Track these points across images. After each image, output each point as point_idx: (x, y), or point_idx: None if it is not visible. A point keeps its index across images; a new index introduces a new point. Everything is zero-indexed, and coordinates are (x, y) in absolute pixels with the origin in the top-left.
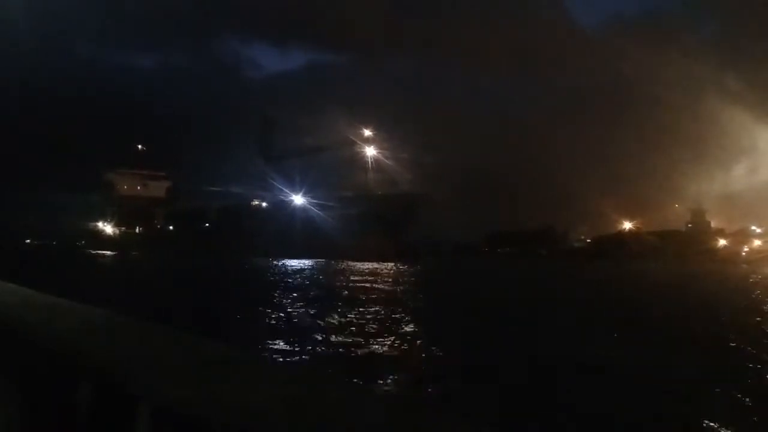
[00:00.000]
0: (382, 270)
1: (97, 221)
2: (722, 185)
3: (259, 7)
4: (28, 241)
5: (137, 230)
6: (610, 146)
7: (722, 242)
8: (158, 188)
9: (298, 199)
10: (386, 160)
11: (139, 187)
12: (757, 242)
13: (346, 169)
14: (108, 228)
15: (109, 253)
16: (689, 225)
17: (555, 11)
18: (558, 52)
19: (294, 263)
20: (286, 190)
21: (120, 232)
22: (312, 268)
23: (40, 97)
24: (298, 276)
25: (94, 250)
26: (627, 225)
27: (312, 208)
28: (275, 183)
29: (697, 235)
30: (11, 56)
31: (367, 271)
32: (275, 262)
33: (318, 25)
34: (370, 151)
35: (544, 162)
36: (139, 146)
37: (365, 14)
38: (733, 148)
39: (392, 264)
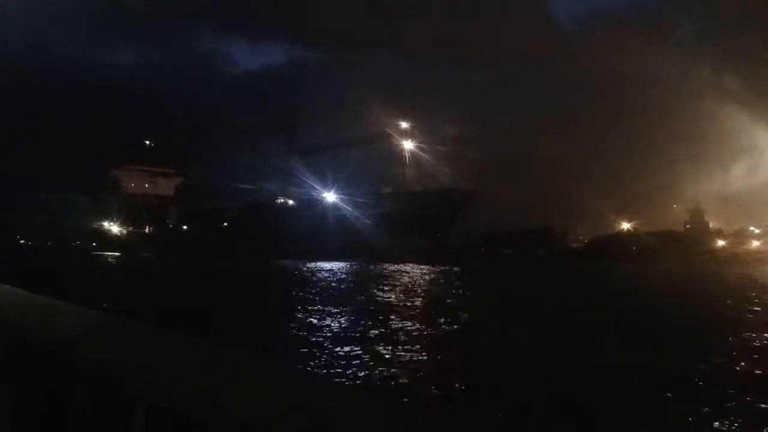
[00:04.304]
0: (423, 273)
1: (102, 221)
2: (721, 186)
3: (262, 7)
4: (23, 241)
5: (147, 230)
6: (609, 146)
7: (721, 243)
8: (168, 185)
9: (329, 197)
10: (424, 155)
11: (147, 185)
12: (755, 243)
13: (375, 163)
14: (114, 228)
15: (113, 254)
16: (687, 225)
17: (540, 8)
18: (550, 49)
19: (325, 266)
20: (317, 187)
21: (127, 231)
22: (343, 271)
23: (27, 96)
24: (324, 279)
25: (98, 250)
26: (625, 225)
27: (344, 206)
28: (304, 179)
29: (696, 235)
30: (7, 55)
31: (405, 274)
32: (304, 265)
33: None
34: (408, 145)
35: (543, 162)
36: (147, 142)
37: (355, 12)
38: (731, 148)
39: (436, 267)
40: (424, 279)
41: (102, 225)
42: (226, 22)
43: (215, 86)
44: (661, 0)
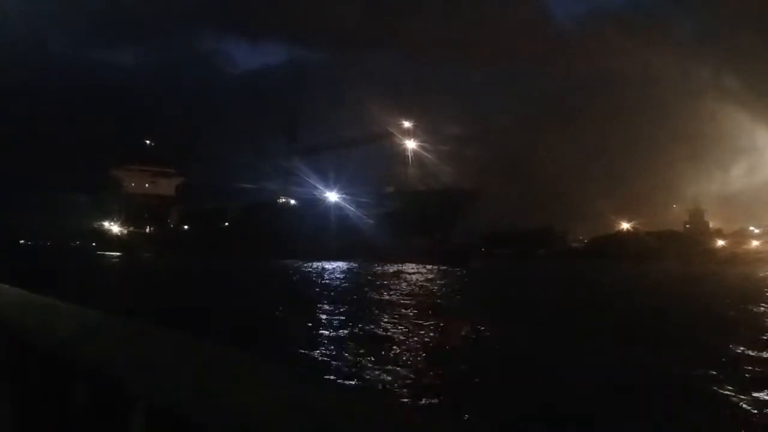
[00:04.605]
0: (425, 273)
1: (103, 221)
2: (721, 186)
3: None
4: (22, 241)
5: (147, 230)
6: (609, 146)
7: (720, 243)
8: (168, 185)
9: (331, 196)
10: (426, 154)
11: (147, 185)
12: (755, 243)
13: (377, 163)
14: (114, 228)
15: (114, 254)
16: (687, 225)
17: (540, 8)
18: (549, 49)
19: (326, 266)
20: (319, 187)
21: (127, 232)
22: (345, 271)
23: (27, 96)
24: (325, 279)
25: (99, 250)
26: (625, 225)
27: (346, 205)
28: (306, 179)
29: (696, 235)
30: (7, 55)
31: (407, 274)
32: (306, 265)
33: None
34: (410, 144)
35: (543, 162)
36: (147, 142)
37: (355, 12)
38: (731, 148)
39: (439, 267)
40: (427, 279)
41: (102, 225)
42: (226, 22)
43: (216, 86)
44: (661, 0)
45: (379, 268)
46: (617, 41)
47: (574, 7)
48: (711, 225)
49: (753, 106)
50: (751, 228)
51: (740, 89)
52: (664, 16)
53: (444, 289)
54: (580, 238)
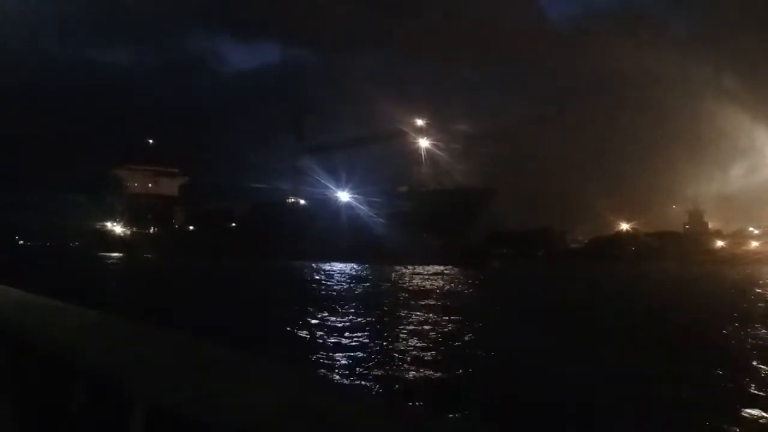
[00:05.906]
0: (437, 274)
1: (104, 221)
2: (720, 186)
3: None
4: (21, 242)
5: (151, 230)
6: (608, 147)
7: (720, 243)
8: (171, 185)
9: (342, 196)
10: (438, 152)
11: (150, 184)
12: (754, 243)
13: (389, 162)
14: (117, 228)
15: (115, 254)
16: (687, 226)
17: (539, 8)
18: (549, 49)
19: (336, 267)
20: (331, 186)
21: (130, 232)
22: (354, 272)
23: (27, 96)
24: (332, 279)
25: (99, 251)
26: (624, 226)
27: (358, 205)
28: (317, 178)
29: (695, 236)
30: (8, 55)
31: (418, 275)
32: (315, 266)
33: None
34: (423, 143)
35: (542, 162)
36: (150, 141)
37: (344, 11)
38: (730, 148)
39: (453, 268)
40: (438, 280)
41: (105, 225)
42: (228, 22)
43: (218, 86)
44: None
45: (391, 269)
46: (616, 41)
47: (572, 7)
48: (710, 226)
49: (753, 106)
50: (751, 228)
51: (740, 89)
52: (664, 16)
53: (453, 289)
54: (580, 238)
